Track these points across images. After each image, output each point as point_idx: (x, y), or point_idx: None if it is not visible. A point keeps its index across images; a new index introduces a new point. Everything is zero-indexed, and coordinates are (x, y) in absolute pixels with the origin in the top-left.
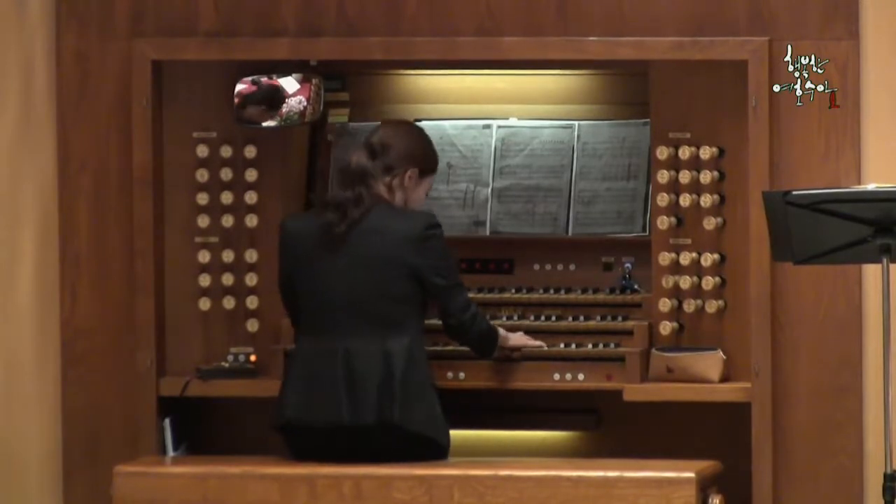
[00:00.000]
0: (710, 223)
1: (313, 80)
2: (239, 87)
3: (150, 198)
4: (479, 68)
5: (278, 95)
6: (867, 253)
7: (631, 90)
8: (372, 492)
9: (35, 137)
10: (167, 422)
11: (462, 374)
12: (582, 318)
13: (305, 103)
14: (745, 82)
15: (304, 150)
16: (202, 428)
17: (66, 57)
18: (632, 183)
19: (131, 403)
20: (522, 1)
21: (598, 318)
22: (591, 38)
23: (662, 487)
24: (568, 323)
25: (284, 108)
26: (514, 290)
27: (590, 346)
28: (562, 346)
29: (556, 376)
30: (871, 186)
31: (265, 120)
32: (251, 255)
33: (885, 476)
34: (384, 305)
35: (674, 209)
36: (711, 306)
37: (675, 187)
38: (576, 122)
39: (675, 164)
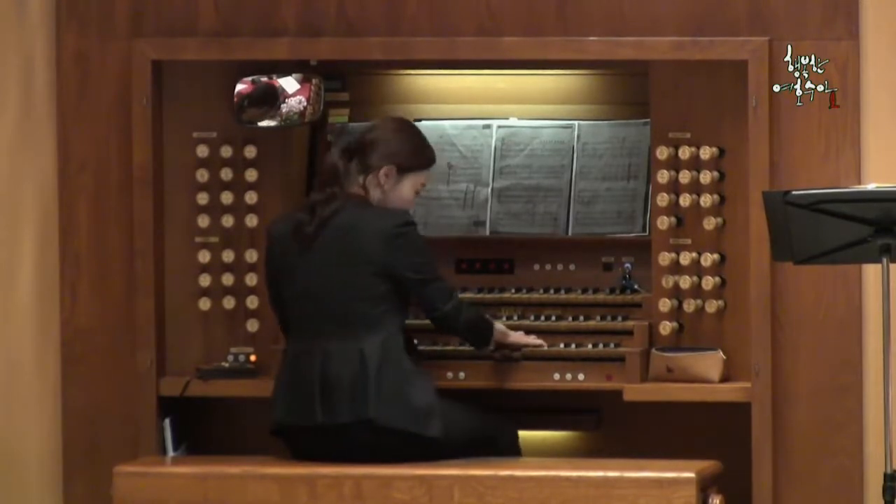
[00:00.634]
0: (710, 223)
1: (313, 80)
2: (239, 87)
3: (150, 198)
4: (479, 68)
5: (278, 95)
6: (867, 253)
7: (631, 90)
8: (372, 492)
9: (35, 137)
10: (167, 422)
11: (462, 374)
12: (582, 318)
13: (305, 103)
14: (745, 82)
15: (304, 150)
16: (202, 428)
17: (66, 57)
18: (632, 183)
19: (131, 403)
20: (522, 1)
21: (598, 318)
22: (591, 38)
23: (663, 487)
24: (568, 323)
25: (284, 108)
26: (514, 290)
27: (590, 346)
28: (562, 346)
29: (557, 376)
30: (871, 186)
31: (265, 120)
32: (251, 255)
33: (885, 476)
34: (357, 305)
35: (674, 209)
36: (711, 306)
37: (675, 187)
38: (576, 122)
39: (675, 164)
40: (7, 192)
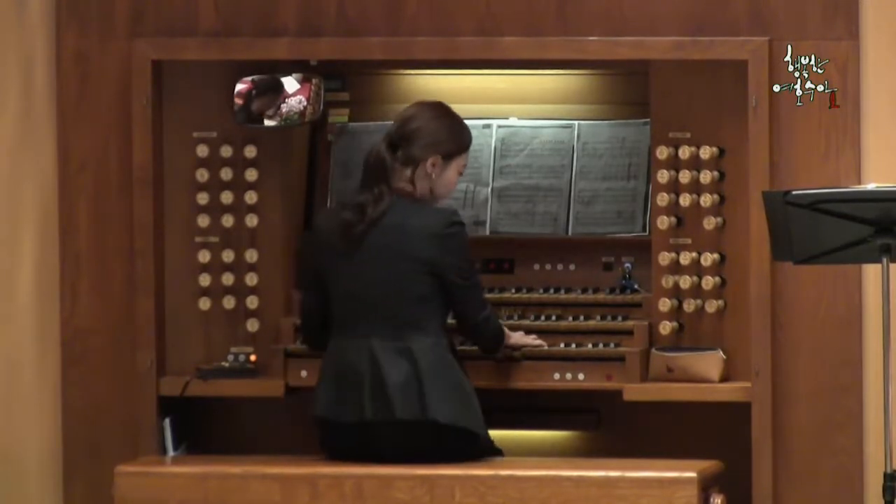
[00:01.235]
0: (710, 223)
1: (313, 80)
2: (239, 87)
3: (150, 198)
4: (479, 68)
5: (278, 95)
6: (867, 253)
7: (631, 90)
8: (373, 491)
9: (35, 137)
10: (167, 422)
11: None
12: (582, 317)
13: (305, 103)
14: (745, 82)
15: (304, 150)
16: (202, 428)
17: (66, 57)
18: (632, 183)
19: (131, 403)
20: (522, 1)
21: (598, 317)
22: (591, 38)
23: (664, 487)
24: (568, 323)
25: (284, 108)
26: (514, 290)
27: (590, 345)
28: (562, 345)
29: (557, 376)
30: (871, 186)
31: (265, 120)
32: (251, 255)
33: (885, 476)
34: (403, 303)
35: (674, 209)
36: (711, 306)
37: (675, 187)
38: (576, 122)
39: (675, 163)
40: (7, 192)
